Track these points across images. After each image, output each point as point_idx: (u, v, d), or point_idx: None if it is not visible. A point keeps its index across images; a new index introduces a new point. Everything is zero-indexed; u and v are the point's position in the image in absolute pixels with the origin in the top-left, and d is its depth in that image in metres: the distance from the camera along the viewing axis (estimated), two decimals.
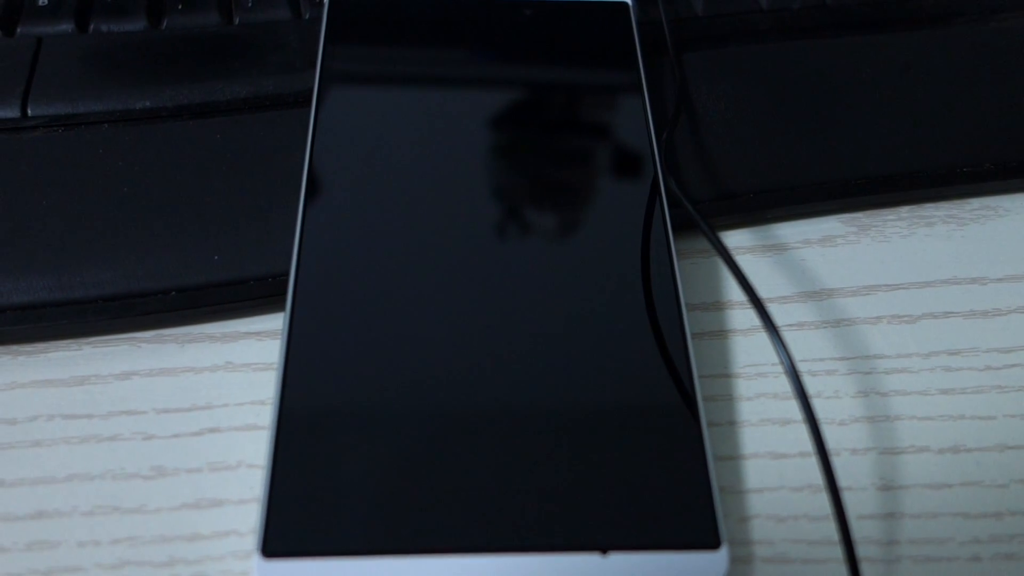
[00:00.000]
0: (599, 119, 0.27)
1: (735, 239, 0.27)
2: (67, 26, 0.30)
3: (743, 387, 0.24)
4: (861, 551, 0.21)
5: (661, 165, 0.26)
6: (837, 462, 0.22)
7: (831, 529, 0.21)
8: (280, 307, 0.23)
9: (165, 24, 0.30)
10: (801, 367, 0.24)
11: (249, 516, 0.21)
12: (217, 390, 0.24)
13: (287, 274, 0.23)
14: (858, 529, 0.21)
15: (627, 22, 0.29)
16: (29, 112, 0.28)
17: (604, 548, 0.19)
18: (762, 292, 0.26)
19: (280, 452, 0.20)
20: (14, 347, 0.24)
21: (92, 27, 0.30)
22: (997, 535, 0.21)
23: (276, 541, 0.19)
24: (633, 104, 0.27)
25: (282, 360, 0.22)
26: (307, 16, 0.31)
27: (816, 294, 0.26)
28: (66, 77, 0.28)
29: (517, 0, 0.30)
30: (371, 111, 0.27)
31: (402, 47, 0.29)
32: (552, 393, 0.21)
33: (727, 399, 0.23)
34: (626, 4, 0.30)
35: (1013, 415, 0.23)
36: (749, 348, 0.24)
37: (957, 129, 0.28)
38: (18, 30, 0.30)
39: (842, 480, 0.22)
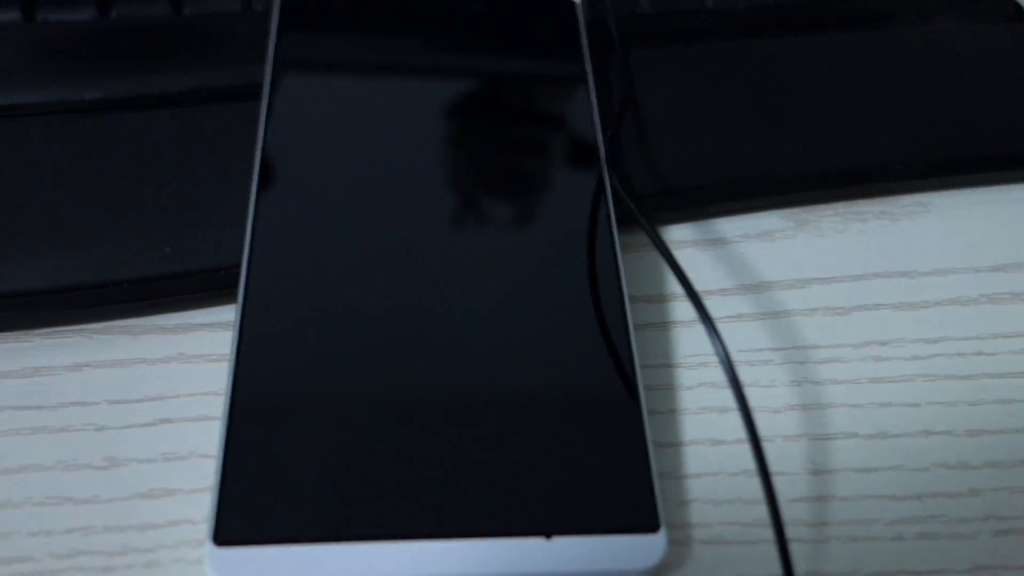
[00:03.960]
0: (546, 114, 0.28)
1: (678, 233, 0.28)
2: (13, 14, 0.30)
3: (684, 376, 0.25)
4: (792, 532, 0.22)
5: (606, 161, 0.26)
6: (771, 448, 0.23)
7: (765, 512, 0.22)
8: (232, 299, 0.24)
9: (114, 13, 0.30)
10: (739, 357, 0.25)
11: (202, 505, 0.22)
12: (169, 381, 0.24)
13: (239, 266, 0.24)
14: (789, 511, 0.22)
15: (574, 18, 0.30)
16: None
17: (548, 532, 0.20)
18: (703, 285, 0.26)
19: (232, 440, 0.21)
20: None
21: (39, 16, 0.30)
22: (919, 516, 0.22)
23: (228, 529, 0.20)
24: (580, 100, 0.28)
25: (234, 350, 0.22)
26: (258, 8, 0.31)
27: (755, 287, 0.27)
28: (12, 67, 0.28)
29: None
30: (322, 103, 0.27)
31: (352, 40, 0.29)
32: (498, 381, 0.22)
33: (669, 388, 0.24)
34: (573, 1, 0.30)
35: (937, 402, 0.24)
36: (691, 339, 0.25)
37: (889, 128, 0.29)
38: None
39: (775, 465, 0.23)
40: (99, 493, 0.22)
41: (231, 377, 0.22)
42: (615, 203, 0.26)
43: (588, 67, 0.29)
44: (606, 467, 0.21)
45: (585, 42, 0.29)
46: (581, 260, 0.24)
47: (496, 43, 0.30)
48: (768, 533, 0.22)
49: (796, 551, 0.21)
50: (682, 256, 0.27)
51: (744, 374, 0.25)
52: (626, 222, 0.26)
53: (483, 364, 0.22)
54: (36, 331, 0.25)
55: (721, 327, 0.26)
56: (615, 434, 0.21)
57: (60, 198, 0.26)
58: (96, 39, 0.29)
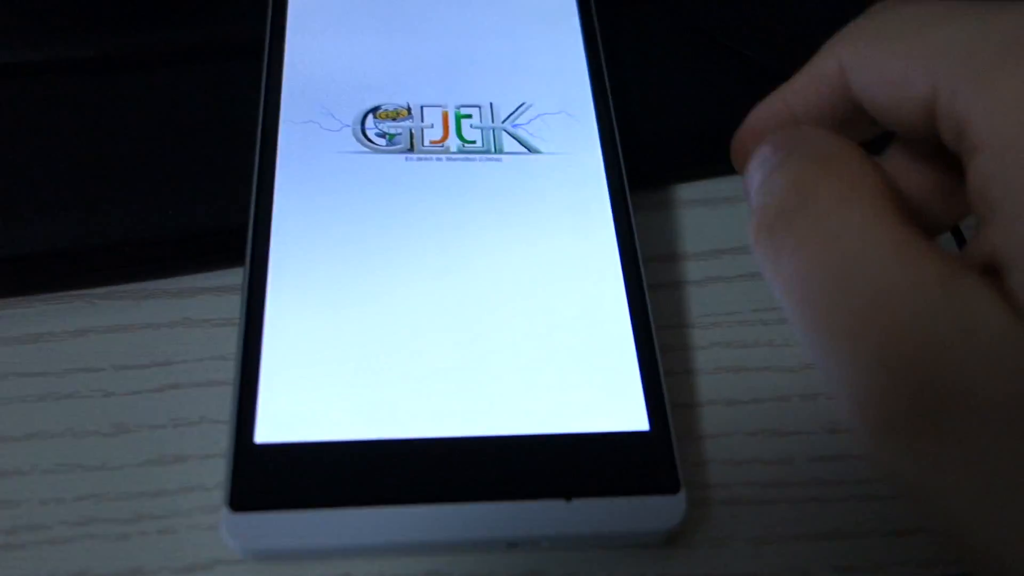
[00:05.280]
0: (550, 66, 0.27)
1: (689, 192, 0.27)
2: None
3: (698, 336, 0.24)
4: (811, 491, 0.22)
5: (616, 118, 0.26)
6: (787, 407, 0.23)
7: (782, 472, 0.22)
8: (238, 262, 0.23)
9: None
10: (754, 316, 0.25)
11: (214, 471, 0.21)
12: (176, 346, 0.23)
13: (245, 227, 0.23)
14: (808, 471, 0.22)
15: None
16: None
17: (568, 494, 0.20)
18: (715, 243, 0.26)
19: (244, 405, 0.20)
20: None
21: None
22: None
23: (244, 494, 0.19)
24: (587, 53, 0.27)
25: (243, 314, 0.22)
26: None
27: None
28: (5, 25, 0.27)
29: None
30: (325, 60, 0.27)
31: None
32: (514, 342, 0.22)
33: (683, 349, 0.24)
34: None
35: None
36: (704, 298, 0.25)
37: None
38: None
39: (793, 424, 0.23)
40: (109, 460, 0.21)
41: (241, 341, 0.21)
42: (627, 161, 0.25)
43: (594, 18, 0.28)
44: (626, 428, 0.21)
45: None
46: (595, 220, 0.24)
47: None
48: (786, 493, 0.22)
49: (814, 510, 0.21)
50: (694, 214, 0.27)
51: (759, 333, 0.24)
52: (636, 182, 0.26)
53: (498, 323, 0.22)
54: (38, 296, 0.24)
55: (735, 286, 0.25)
56: (635, 397, 0.21)
57: (59, 160, 0.25)
58: None
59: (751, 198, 0.17)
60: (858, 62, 0.17)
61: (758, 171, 0.17)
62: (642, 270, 0.23)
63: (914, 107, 0.15)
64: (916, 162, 0.18)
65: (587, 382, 0.21)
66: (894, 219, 0.14)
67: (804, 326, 0.15)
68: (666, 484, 0.20)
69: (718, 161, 0.27)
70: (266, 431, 0.20)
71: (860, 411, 0.14)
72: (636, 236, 0.24)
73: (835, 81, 0.17)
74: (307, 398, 0.21)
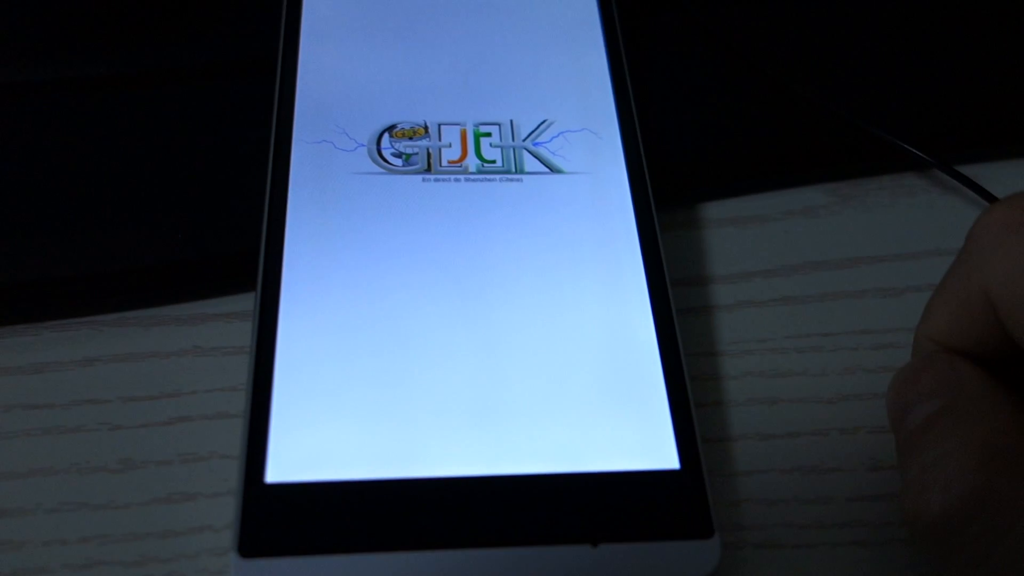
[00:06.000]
0: (574, 86, 0.26)
1: (716, 210, 0.26)
2: None
3: (729, 365, 0.23)
4: (853, 534, 0.20)
5: (641, 135, 0.25)
6: (825, 442, 0.22)
7: (821, 512, 0.21)
8: (250, 287, 0.22)
9: None
10: (788, 344, 0.24)
11: (224, 510, 0.20)
12: (185, 376, 0.23)
13: (257, 251, 0.22)
14: (849, 511, 0.21)
15: None
16: None
17: (594, 539, 0.19)
18: (745, 265, 0.25)
19: (253, 443, 0.20)
20: None
21: None
22: None
23: (254, 539, 0.18)
24: (611, 70, 0.26)
25: (253, 345, 0.21)
26: None
27: (800, 267, 0.25)
28: (13, 41, 0.27)
29: None
30: (340, 77, 0.26)
31: (368, 10, 0.28)
32: (537, 377, 0.21)
33: (713, 378, 0.23)
34: None
35: None
36: (734, 324, 0.24)
37: (934, 94, 0.28)
38: None
39: (831, 461, 0.22)
40: (115, 498, 0.21)
41: (251, 373, 0.20)
42: (653, 181, 0.24)
43: (619, 32, 0.27)
44: (655, 468, 0.20)
45: (615, 6, 0.28)
46: (620, 242, 0.23)
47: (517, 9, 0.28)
48: (826, 535, 0.20)
49: (858, 554, 0.20)
50: (723, 235, 0.26)
51: (794, 361, 0.23)
52: (662, 202, 0.25)
53: (519, 353, 0.21)
54: (43, 324, 0.23)
55: (768, 310, 0.24)
56: (664, 432, 0.20)
57: (66, 182, 0.24)
58: (101, 10, 0.28)
59: (895, 428, 0.17)
60: (1013, 302, 0.15)
61: (908, 412, 0.17)
62: (670, 295, 0.22)
63: None
64: None
65: (613, 416, 0.20)
66: None
67: None
68: (699, 528, 0.19)
69: (747, 178, 0.27)
70: (277, 470, 0.19)
71: None
72: (664, 259, 0.23)
73: (980, 312, 0.16)
74: (321, 434, 0.20)
